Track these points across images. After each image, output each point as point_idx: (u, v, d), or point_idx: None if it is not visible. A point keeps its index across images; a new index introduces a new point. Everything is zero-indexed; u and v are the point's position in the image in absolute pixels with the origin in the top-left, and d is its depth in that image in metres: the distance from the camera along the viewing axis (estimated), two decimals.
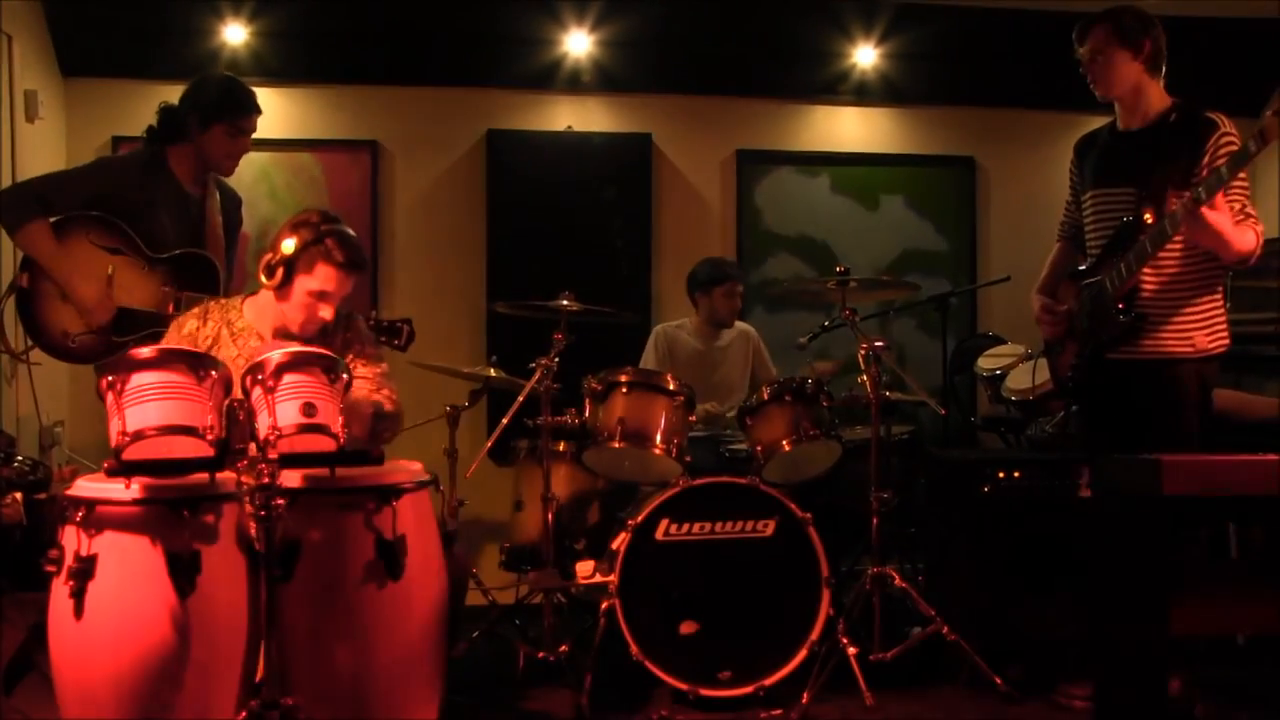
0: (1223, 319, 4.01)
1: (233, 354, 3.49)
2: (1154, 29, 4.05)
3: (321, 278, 3.49)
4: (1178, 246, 3.93)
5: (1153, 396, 3.97)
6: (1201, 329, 3.95)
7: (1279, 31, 6.43)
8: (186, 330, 3.58)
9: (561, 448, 4.86)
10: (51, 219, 4.20)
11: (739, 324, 5.81)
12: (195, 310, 3.68)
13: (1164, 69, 4.10)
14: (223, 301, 3.70)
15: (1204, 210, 3.62)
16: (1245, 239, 3.77)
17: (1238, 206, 3.81)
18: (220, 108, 4.36)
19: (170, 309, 4.21)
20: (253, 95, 4.45)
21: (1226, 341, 4.02)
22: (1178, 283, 3.96)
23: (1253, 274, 5.44)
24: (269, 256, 3.51)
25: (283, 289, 3.51)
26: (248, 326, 3.61)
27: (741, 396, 4.73)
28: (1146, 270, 3.93)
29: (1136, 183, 4.00)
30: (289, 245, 3.47)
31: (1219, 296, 4.01)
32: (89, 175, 4.39)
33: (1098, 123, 6.86)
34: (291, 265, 3.48)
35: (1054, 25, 5.71)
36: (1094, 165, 4.26)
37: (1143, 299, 3.97)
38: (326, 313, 3.56)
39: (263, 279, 3.52)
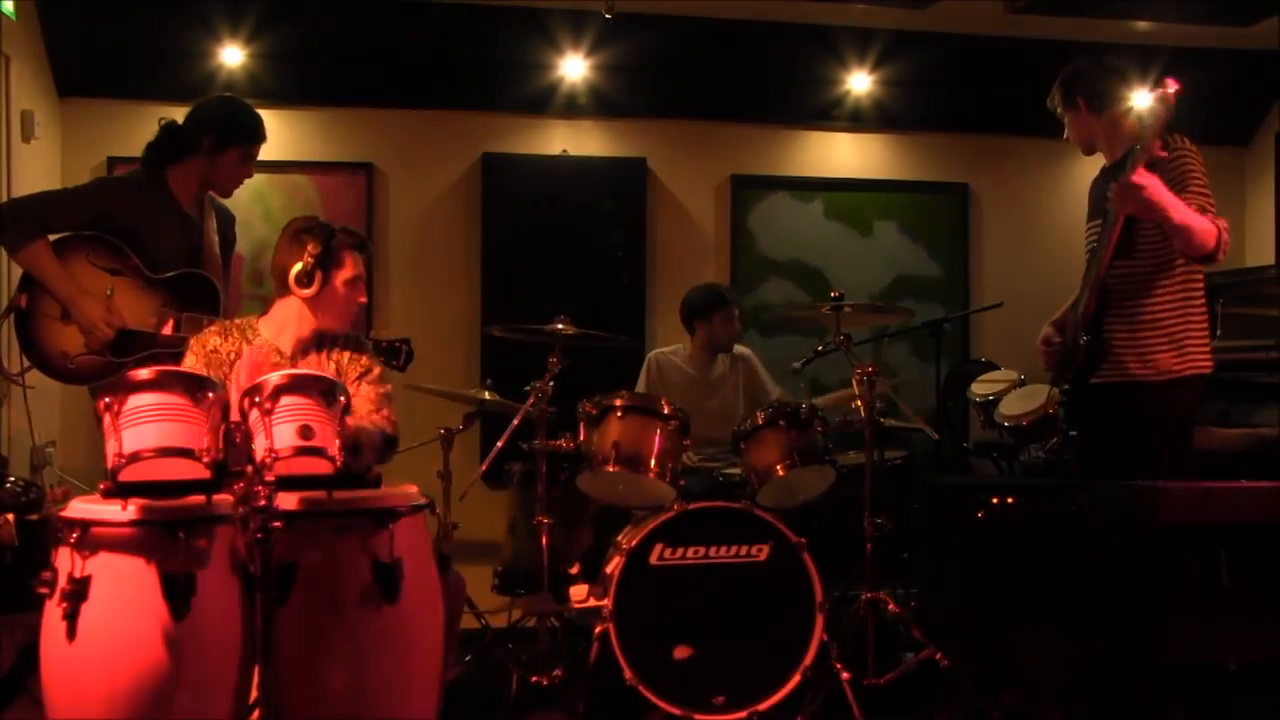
0: (1199, 343, 3.98)
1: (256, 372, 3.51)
2: (1092, 77, 4.17)
3: (351, 264, 3.66)
4: (1140, 269, 3.93)
5: (1120, 421, 3.98)
6: (1169, 352, 3.92)
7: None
8: (210, 347, 3.60)
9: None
10: (51, 238, 4.20)
11: (735, 347, 5.81)
12: (214, 328, 3.70)
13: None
14: (239, 321, 3.72)
15: (1133, 178, 3.66)
16: (1198, 220, 3.78)
17: (1195, 206, 3.83)
18: (237, 132, 4.35)
19: (169, 330, 4.20)
20: (262, 120, 4.46)
21: (1204, 366, 3.99)
22: (1142, 306, 3.96)
23: (1245, 301, 5.46)
24: (299, 267, 3.56)
25: (323, 291, 3.60)
26: (265, 343, 3.63)
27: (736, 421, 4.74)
28: (1114, 293, 3.95)
29: (1104, 214, 4.06)
30: (313, 249, 3.56)
31: (1194, 320, 3.98)
32: (88, 195, 4.36)
33: None
34: (324, 265, 3.58)
35: (1047, 53, 5.77)
36: (1089, 199, 4.35)
37: (1108, 323, 3.97)
38: (363, 297, 3.75)
39: (300, 291, 3.58)
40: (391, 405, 3.74)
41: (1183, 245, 3.85)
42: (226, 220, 4.69)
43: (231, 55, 5.98)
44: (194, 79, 5.94)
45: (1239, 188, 6.95)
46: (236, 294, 4.85)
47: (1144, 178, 3.72)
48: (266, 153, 4.55)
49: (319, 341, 3.69)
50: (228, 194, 4.54)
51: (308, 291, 3.57)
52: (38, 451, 5.16)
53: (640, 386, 5.64)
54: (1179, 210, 3.76)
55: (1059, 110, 4.29)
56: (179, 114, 4.49)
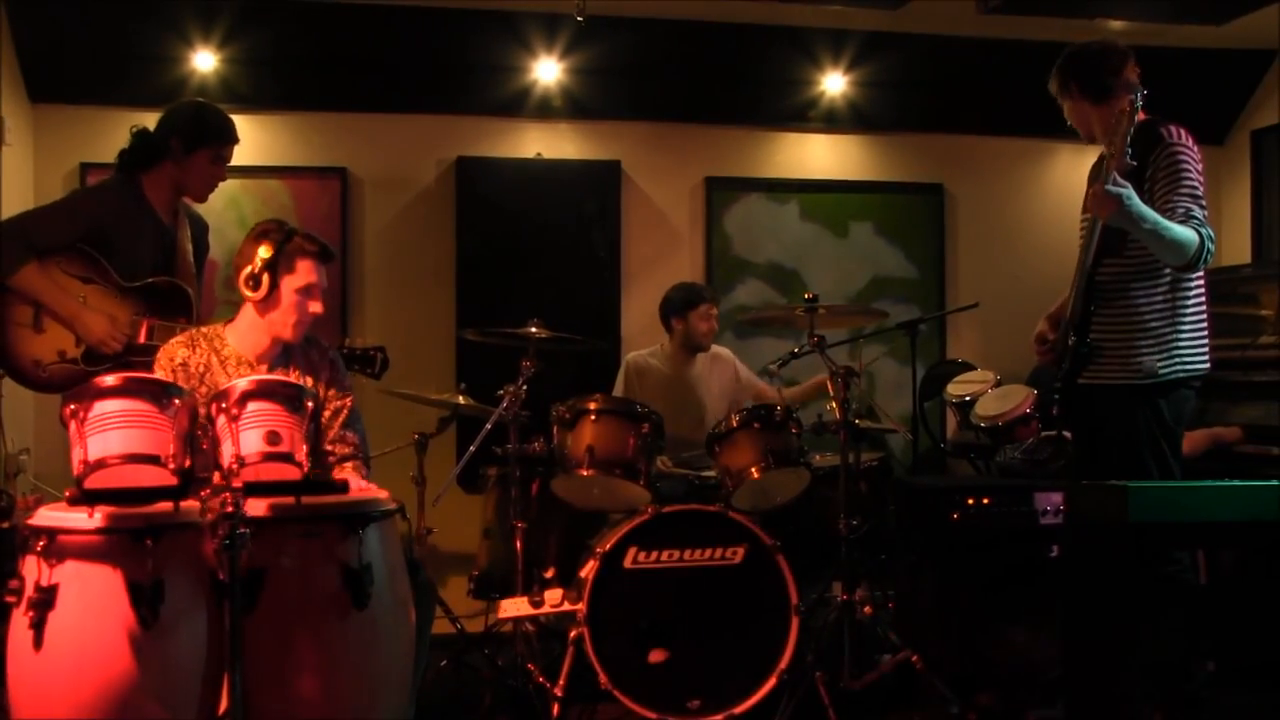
0: (1189, 345, 3.89)
1: (225, 381, 3.47)
2: (1085, 64, 4.01)
3: (304, 271, 3.56)
4: (1128, 268, 3.88)
5: (1105, 423, 3.93)
6: (1155, 355, 3.85)
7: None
8: (179, 359, 3.58)
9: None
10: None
11: (713, 348, 5.80)
12: (181, 338, 3.67)
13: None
14: (204, 330, 3.69)
15: (1106, 187, 3.59)
16: (1175, 231, 3.67)
17: (1181, 211, 3.74)
18: (206, 134, 4.32)
19: (142, 338, 4.18)
20: (232, 122, 4.43)
21: (1195, 369, 3.90)
22: (1129, 306, 3.89)
23: (1221, 300, 5.47)
24: (247, 269, 3.53)
25: (269, 297, 3.55)
26: (234, 354, 3.61)
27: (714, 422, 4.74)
28: (1103, 293, 3.90)
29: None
30: (265, 251, 3.51)
31: (1185, 321, 3.89)
32: (74, 212, 4.31)
33: (1065, 149, 6.93)
34: (273, 269, 3.52)
35: (1019, 53, 5.77)
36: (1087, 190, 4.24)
37: (1096, 323, 3.92)
38: (317, 307, 3.62)
39: (247, 293, 3.55)
40: (357, 424, 3.75)
41: (1158, 255, 3.78)
42: (200, 227, 4.66)
43: (204, 60, 5.94)
44: (166, 84, 5.91)
45: (1214, 187, 6.93)
46: (210, 301, 4.82)
47: (1116, 187, 3.62)
48: (240, 158, 4.53)
49: (286, 355, 3.68)
50: (202, 199, 4.51)
51: (254, 295, 3.53)
52: (11, 459, 5.12)
53: (618, 390, 5.63)
54: (1151, 221, 3.67)
55: (1056, 95, 4.11)
56: (151, 120, 4.47)
